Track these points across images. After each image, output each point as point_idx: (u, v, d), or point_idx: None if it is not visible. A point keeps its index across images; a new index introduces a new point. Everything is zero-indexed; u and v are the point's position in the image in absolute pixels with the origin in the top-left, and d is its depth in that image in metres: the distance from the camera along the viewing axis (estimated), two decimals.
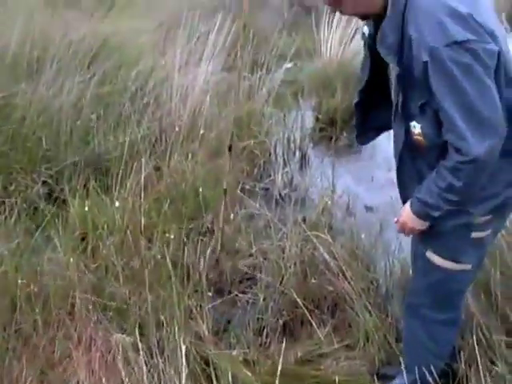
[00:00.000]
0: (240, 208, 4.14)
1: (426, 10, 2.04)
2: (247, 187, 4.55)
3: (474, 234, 2.34)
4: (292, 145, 5.47)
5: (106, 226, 3.55)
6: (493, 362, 2.80)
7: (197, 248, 3.58)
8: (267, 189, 4.74)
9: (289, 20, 8.54)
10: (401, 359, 2.70)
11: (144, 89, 5.15)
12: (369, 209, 4.62)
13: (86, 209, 3.65)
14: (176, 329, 2.83)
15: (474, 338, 2.82)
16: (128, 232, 3.48)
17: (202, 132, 4.71)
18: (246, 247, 3.75)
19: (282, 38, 6.79)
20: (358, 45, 6.51)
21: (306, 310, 3.21)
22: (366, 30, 2.36)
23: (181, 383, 2.59)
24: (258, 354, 3.04)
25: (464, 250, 2.38)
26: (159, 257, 3.38)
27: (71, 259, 3.21)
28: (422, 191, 2.27)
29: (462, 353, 2.80)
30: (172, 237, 3.54)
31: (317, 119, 6.16)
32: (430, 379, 2.52)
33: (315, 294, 3.36)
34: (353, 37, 6.68)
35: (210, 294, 3.37)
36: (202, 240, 3.71)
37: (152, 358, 2.78)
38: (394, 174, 2.48)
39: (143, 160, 4.01)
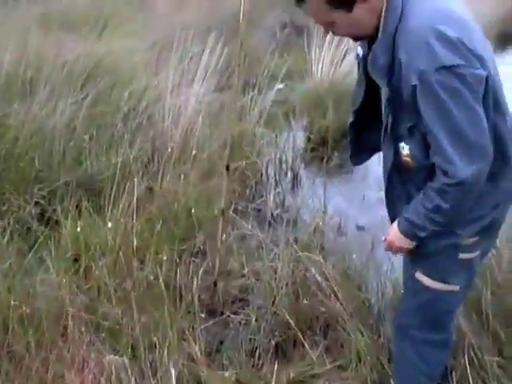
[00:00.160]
0: (232, 229, 4.15)
1: (415, 33, 2.07)
2: (239, 208, 4.57)
3: (463, 255, 2.36)
4: (284, 165, 5.50)
5: (98, 247, 3.55)
6: (485, 382, 2.81)
7: (189, 269, 3.58)
8: (259, 209, 4.75)
9: (281, 41, 8.60)
10: (391, 381, 2.71)
11: (137, 109, 5.17)
12: (360, 228, 4.64)
13: (79, 230, 3.64)
14: (168, 350, 2.83)
15: (466, 357, 2.84)
16: (120, 253, 3.48)
17: (194, 152, 4.72)
18: (238, 268, 3.76)
19: (273, 58, 6.83)
20: (349, 65, 6.58)
21: (298, 331, 3.21)
22: (360, 51, 2.39)
23: None
24: (250, 375, 3.03)
25: (453, 271, 2.40)
26: (152, 278, 3.38)
27: (64, 280, 3.21)
28: (409, 211, 2.29)
29: (453, 373, 2.81)
30: (164, 258, 3.54)
31: (308, 139, 6.20)
32: None
33: (307, 315, 3.36)
34: (344, 57, 6.74)
35: (203, 315, 3.37)
36: (194, 261, 3.72)
37: (144, 379, 2.78)
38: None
39: (136, 180, 4.01)
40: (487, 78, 2.05)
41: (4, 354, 2.85)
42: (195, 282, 3.48)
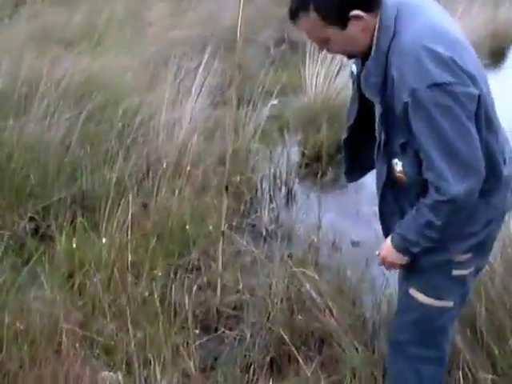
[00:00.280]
0: (227, 244, 4.15)
1: (408, 51, 2.09)
2: (234, 223, 4.57)
3: (456, 272, 2.37)
4: (278, 181, 5.50)
5: (93, 263, 3.54)
6: None
7: (184, 285, 3.58)
8: (254, 225, 4.75)
9: (276, 56, 8.63)
10: None
11: (131, 125, 5.18)
12: (355, 244, 4.64)
13: (74, 246, 3.64)
14: (163, 366, 2.83)
15: (461, 373, 2.84)
16: (115, 269, 3.48)
17: (188, 169, 4.73)
18: (232, 283, 3.76)
19: (268, 74, 6.85)
20: (343, 81, 6.61)
21: (292, 347, 3.21)
22: (354, 68, 2.41)
23: None
24: None
25: (446, 287, 2.40)
26: (146, 294, 3.39)
27: (58, 296, 3.21)
28: (402, 227, 2.31)
29: None
30: (159, 274, 3.55)
31: (303, 154, 6.20)
32: None
33: (302, 331, 3.36)
34: (337, 73, 6.77)
35: (197, 331, 3.37)
36: (188, 277, 3.72)
37: None
38: None
39: (130, 196, 4.02)
40: (479, 96, 2.07)
41: None
42: (190, 298, 3.48)
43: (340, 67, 6.69)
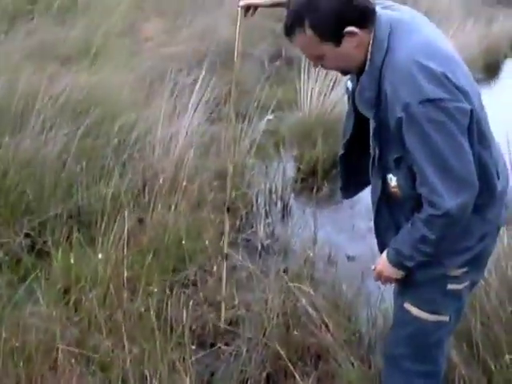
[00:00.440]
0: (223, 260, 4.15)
1: (401, 67, 2.11)
2: (229, 239, 4.56)
3: (451, 286, 2.38)
4: (274, 196, 5.51)
5: (89, 279, 3.54)
6: None
7: (180, 300, 3.58)
8: (249, 240, 4.76)
9: (271, 72, 8.66)
10: None
11: (128, 141, 5.19)
12: (350, 258, 4.65)
13: (72, 261, 3.63)
14: (159, 382, 2.82)
15: None
16: (111, 284, 3.47)
17: (184, 184, 4.73)
18: (228, 299, 3.76)
19: (264, 89, 6.88)
20: (337, 96, 6.64)
21: (289, 362, 3.21)
22: (349, 84, 2.44)
23: None
24: None
25: (441, 301, 2.41)
26: (142, 309, 3.38)
27: (54, 312, 3.20)
28: (397, 241, 2.33)
29: None
30: (155, 289, 3.54)
31: (298, 169, 6.21)
32: None
33: (298, 346, 3.36)
34: (332, 88, 6.79)
35: (194, 346, 3.36)
36: (184, 292, 3.72)
37: None
38: None
39: (126, 212, 4.02)
40: (471, 111, 2.09)
41: None
42: (186, 314, 3.47)
43: (334, 83, 6.72)
